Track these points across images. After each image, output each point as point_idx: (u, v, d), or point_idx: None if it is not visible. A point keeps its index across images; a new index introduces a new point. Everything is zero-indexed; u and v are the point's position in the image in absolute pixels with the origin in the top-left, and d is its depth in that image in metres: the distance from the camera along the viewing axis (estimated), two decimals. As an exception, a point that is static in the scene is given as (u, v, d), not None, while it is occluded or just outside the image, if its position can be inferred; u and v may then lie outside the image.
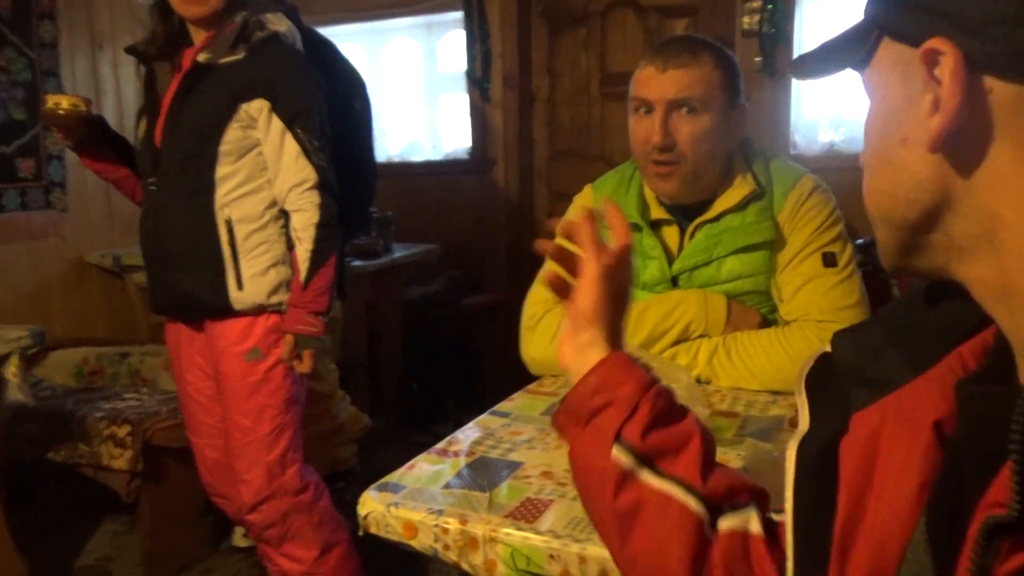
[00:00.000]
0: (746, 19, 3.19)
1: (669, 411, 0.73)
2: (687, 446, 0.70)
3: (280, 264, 1.84)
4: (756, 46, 3.15)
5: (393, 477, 1.02)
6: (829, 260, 1.41)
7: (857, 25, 0.52)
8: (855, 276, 1.41)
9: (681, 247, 1.50)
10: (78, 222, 3.36)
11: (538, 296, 1.54)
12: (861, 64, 0.52)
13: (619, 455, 0.69)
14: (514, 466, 1.06)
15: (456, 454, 1.11)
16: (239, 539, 2.57)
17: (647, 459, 0.69)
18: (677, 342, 1.43)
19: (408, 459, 1.08)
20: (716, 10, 3.35)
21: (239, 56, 1.76)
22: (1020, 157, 0.42)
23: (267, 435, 1.87)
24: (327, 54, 2.08)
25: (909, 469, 0.49)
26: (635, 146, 1.43)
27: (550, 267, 1.53)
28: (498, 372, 3.79)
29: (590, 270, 0.76)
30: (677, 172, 1.39)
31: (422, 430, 3.42)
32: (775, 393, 1.35)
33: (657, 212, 1.51)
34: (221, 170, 1.78)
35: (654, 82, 1.37)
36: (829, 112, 3.26)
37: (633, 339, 1.40)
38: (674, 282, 1.49)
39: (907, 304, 0.58)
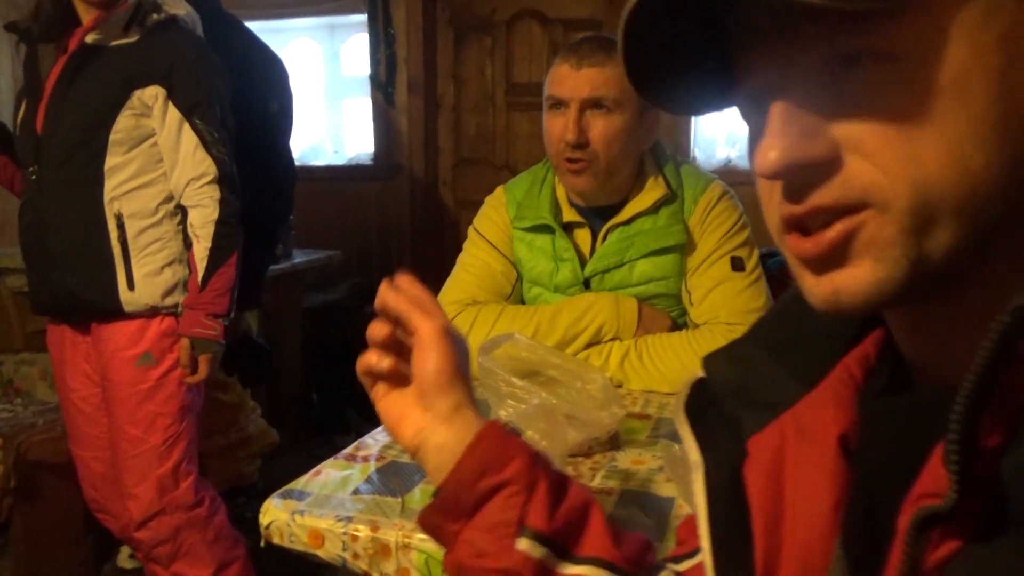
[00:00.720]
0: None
1: (560, 480, 0.63)
2: (589, 516, 0.62)
3: (176, 263, 1.73)
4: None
5: (298, 484, 0.97)
6: (737, 264, 1.43)
7: None
8: (762, 280, 1.44)
9: (593, 250, 1.49)
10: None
11: (449, 298, 1.50)
12: None
13: (527, 547, 0.59)
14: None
15: (365, 459, 1.05)
16: (124, 560, 2.41)
17: (560, 545, 0.60)
18: (589, 345, 1.43)
19: (308, 471, 1.02)
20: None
21: (132, 39, 1.65)
22: None
23: (159, 446, 1.75)
24: (244, 42, 1.99)
25: (821, 488, 0.48)
26: (549, 144, 1.42)
27: (468, 273, 1.52)
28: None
29: (426, 331, 0.64)
30: (590, 170, 1.38)
31: (323, 442, 3.31)
32: (685, 395, 1.35)
33: (569, 215, 1.50)
34: (111, 160, 1.66)
35: (568, 80, 1.36)
36: (725, 130, 3.38)
37: (545, 342, 1.38)
38: (586, 284, 1.48)
39: (778, 317, 0.56)
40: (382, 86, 3.68)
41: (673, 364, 1.38)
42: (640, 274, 1.46)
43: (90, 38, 1.64)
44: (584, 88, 1.35)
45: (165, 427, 1.76)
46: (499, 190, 1.60)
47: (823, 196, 0.41)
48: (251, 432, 2.58)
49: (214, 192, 1.69)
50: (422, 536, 0.84)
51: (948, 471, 0.37)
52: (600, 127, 1.36)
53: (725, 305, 1.41)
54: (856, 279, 0.41)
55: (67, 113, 1.66)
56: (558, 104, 1.38)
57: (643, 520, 0.89)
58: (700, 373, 0.57)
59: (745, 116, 0.47)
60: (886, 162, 0.40)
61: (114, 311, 1.70)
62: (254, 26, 3.85)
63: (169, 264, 1.73)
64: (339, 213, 3.86)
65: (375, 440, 1.13)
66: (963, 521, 0.38)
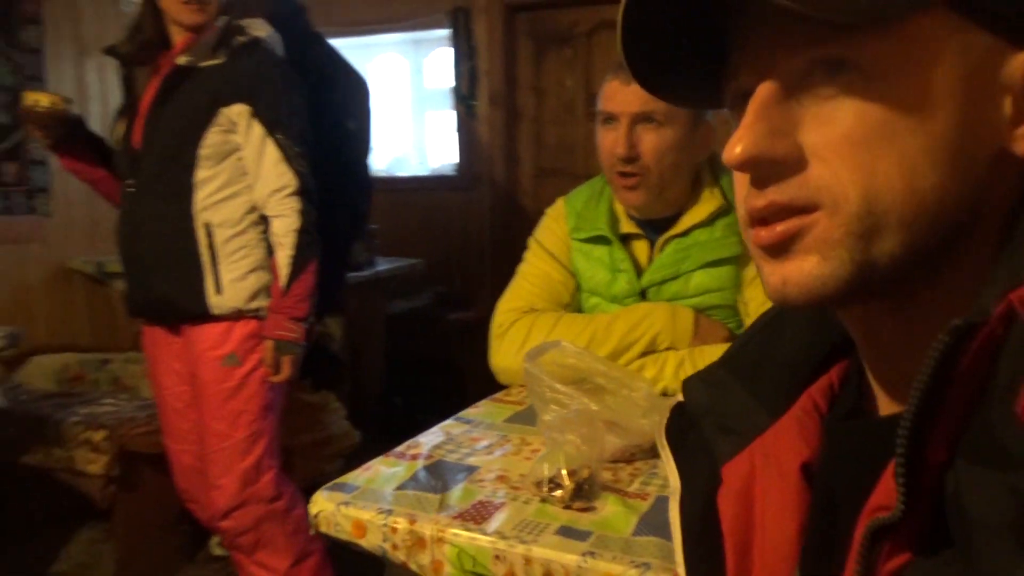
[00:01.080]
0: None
1: None
2: None
3: (259, 269, 1.85)
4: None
5: (347, 478, 1.03)
6: (793, 276, 1.42)
7: None
8: (819, 292, 1.43)
9: (650, 261, 1.52)
10: (61, 228, 3.36)
11: (508, 305, 1.55)
12: None
13: None
14: (471, 470, 1.07)
15: (414, 457, 1.11)
16: (215, 548, 2.56)
17: None
18: (644, 354, 1.45)
19: None
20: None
21: (219, 60, 1.77)
22: None
23: (242, 441, 1.87)
24: (328, 62, 2.11)
25: (786, 515, 0.51)
26: (602, 158, 1.45)
27: (528, 282, 1.56)
28: (480, 388, 3.79)
29: None
30: (642, 184, 1.41)
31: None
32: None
33: (627, 226, 1.53)
34: (200, 174, 1.79)
35: (619, 95, 1.39)
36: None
37: (600, 350, 1.41)
38: (643, 295, 1.51)
39: (750, 342, 0.59)
40: (464, 98, 3.78)
41: (726, 374, 1.38)
42: (696, 286, 1.47)
43: (181, 59, 1.78)
44: (634, 103, 1.38)
45: (248, 423, 1.87)
46: (559, 201, 1.64)
47: (780, 192, 0.44)
48: (334, 432, 2.69)
49: (295, 203, 1.80)
50: (456, 531, 0.89)
51: (896, 484, 0.39)
52: (651, 141, 1.39)
53: (781, 316, 1.40)
54: (802, 271, 0.44)
55: (161, 130, 1.79)
56: (609, 119, 1.41)
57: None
58: (679, 397, 0.60)
59: (732, 113, 0.50)
60: (841, 168, 0.43)
61: (203, 314, 1.82)
62: (344, 42, 4.04)
63: (253, 270, 1.84)
64: (422, 222, 3.97)
65: (427, 440, 1.19)
66: (912, 533, 0.40)
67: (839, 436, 0.49)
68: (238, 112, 1.78)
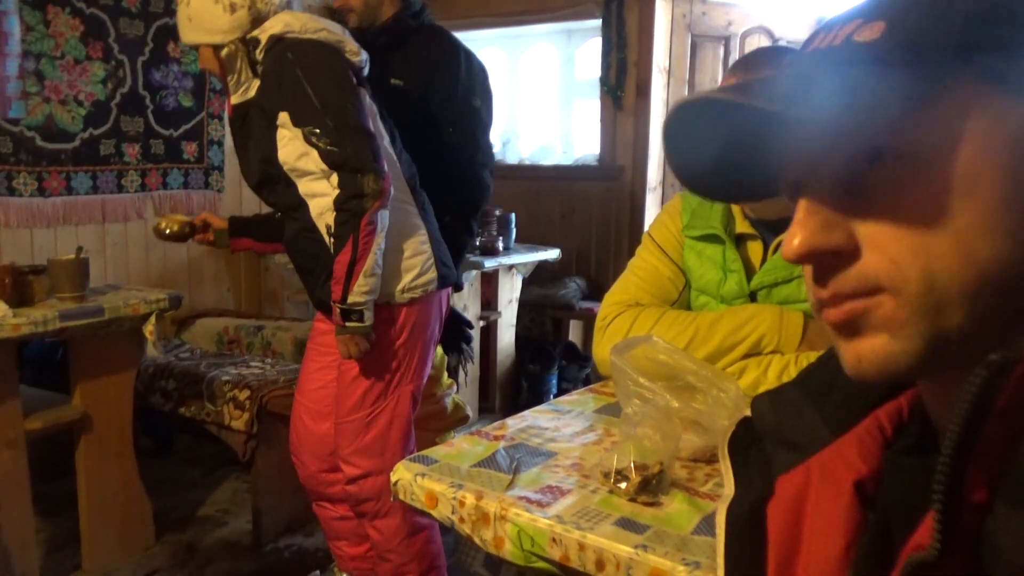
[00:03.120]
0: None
1: None
2: None
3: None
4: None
5: (430, 451, 1.09)
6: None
7: None
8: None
9: (763, 262, 1.48)
10: (232, 203, 3.66)
11: (613, 299, 1.56)
12: None
13: None
14: (548, 455, 1.10)
15: (498, 438, 1.16)
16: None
17: None
18: (747, 355, 1.41)
19: None
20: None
21: (258, 81, 1.83)
22: None
23: (365, 417, 1.98)
24: (451, 48, 2.19)
25: (835, 529, 0.51)
26: None
27: (636, 276, 1.57)
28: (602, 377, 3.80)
29: None
30: None
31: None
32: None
33: (742, 226, 1.50)
34: (302, 188, 1.84)
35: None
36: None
37: (702, 348, 1.40)
38: (753, 297, 1.47)
39: (824, 365, 0.58)
40: (611, 89, 3.77)
41: (833, 384, 1.33)
42: (809, 290, 1.42)
43: (234, 100, 1.87)
44: None
45: (372, 402, 1.98)
46: (676, 197, 1.63)
47: (841, 284, 0.45)
48: (445, 406, 2.79)
49: (333, 180, 1.78)
50: (518, 511, 0.93)
51: (933, 522, 0.39)
52: None
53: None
54: (875, 350, 0.45)
55: (250, 164, 1.91)
56: None
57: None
58: (747, 412, 0.62)
59: (791, 201, 0.50)
60: (896, 254, 0.43)
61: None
62: (497, 32, 4.14)
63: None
64: (563, 212, 4.01)
65: (514, 423, 1.23)
66: (951, 573, 0.40)
67: (897, 469, 0.49)
68: (283, 120, 1.80)
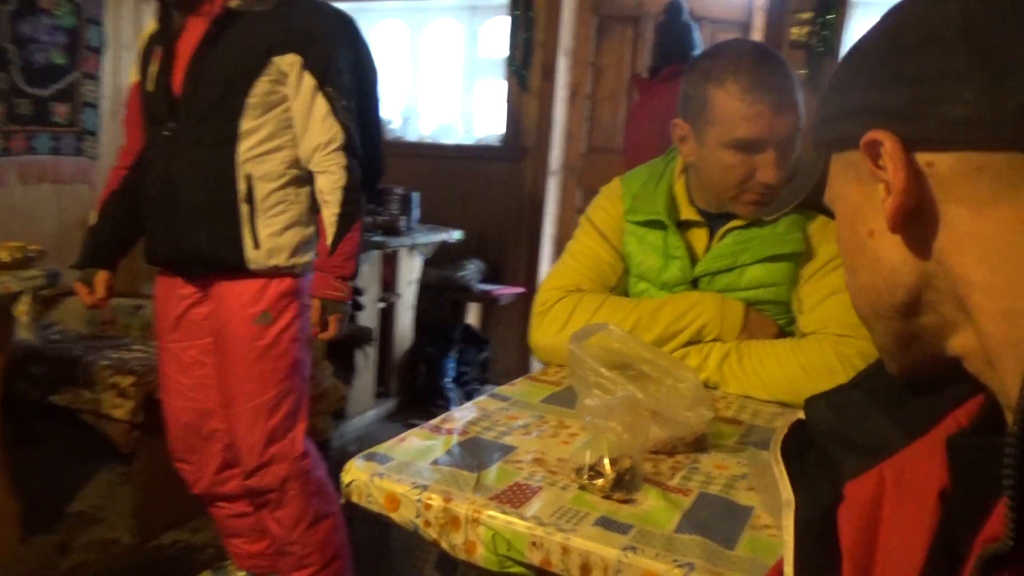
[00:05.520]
0: (795, 30, 3.14)
1: None
2: None
3: (297, 225, 1.81)
4: (802, 58, 3.11)
5: (382, 448, 1.00)
6: (854, 276, 1.37)
7: (812, 161, 0.58)
8: (879, 294, 1.37)
9: (707, 250, 1.46)
10: (107, 172, 3.36)
11: (553, 283, 1.51)
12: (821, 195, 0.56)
13: None
14: (507, 449, 1.03)
15: (449, 432, 1.08)
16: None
17: None
18: (689, 343, 1.40)
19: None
20: (765, 20, 3.31)
21: (267, 7, 1.72)
22: (974, 216, 0.44)
23: (270, 400, 1.84)
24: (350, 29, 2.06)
25: (916, 539, 0.49)
26: (729, 178, 1.37)
27: (576, 261, 1.52)
28: (507, 363, 3.78)
29: None
30: (769, 198, 1.37)
31: (422, 412, 3.42)
32: (783, 405, 1.31)
33: (687, 213, 1.47)
34: (246, 123, 1.74)
35: (773, 123, 1.31)
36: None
37: (645, 336, 1.37)
38: (694, 284, 1.45)
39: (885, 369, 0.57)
40: (517, 69, 3.71)
41: (774, 371, 1.33)
42: (751, 279, 1.41)
43: (233, 3, 1.72)
44: (787, 127, 1.31)
45: (278, 382, 1.85)
46: (615, 181, 1.59)
47: None
48: (326, 387, 2.67)
49: (340, 159, 1.75)
50: (492, 513, 0.86)
51: (1007, 516, 0.38)
52: (785, 163, 1.34)
53: (837, 316, 1.34)
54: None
55: (208, 75, 1.73)
56: (756, 145, 1.32)
57: (714, 524, 0.87)
58: (800, 415, 0.60)
59: None
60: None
61: (237, 268, 1.79)
62: (400, 4, 3.99)
63: (291, 226, 1.81)
64: (464, 193, 3.93)
65: (462, 415, 1.15)
66: None
67: (960, 454, 0.47)
68: (290, 62, 1.73)
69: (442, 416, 1.14)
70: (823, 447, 0.57)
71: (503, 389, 1.30)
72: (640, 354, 1.19)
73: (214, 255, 1.79)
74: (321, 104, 1.74)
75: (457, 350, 3.72)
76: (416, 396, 3.64)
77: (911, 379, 0.52)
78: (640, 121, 2.95)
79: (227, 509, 2.05)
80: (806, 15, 3.12)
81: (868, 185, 0.49)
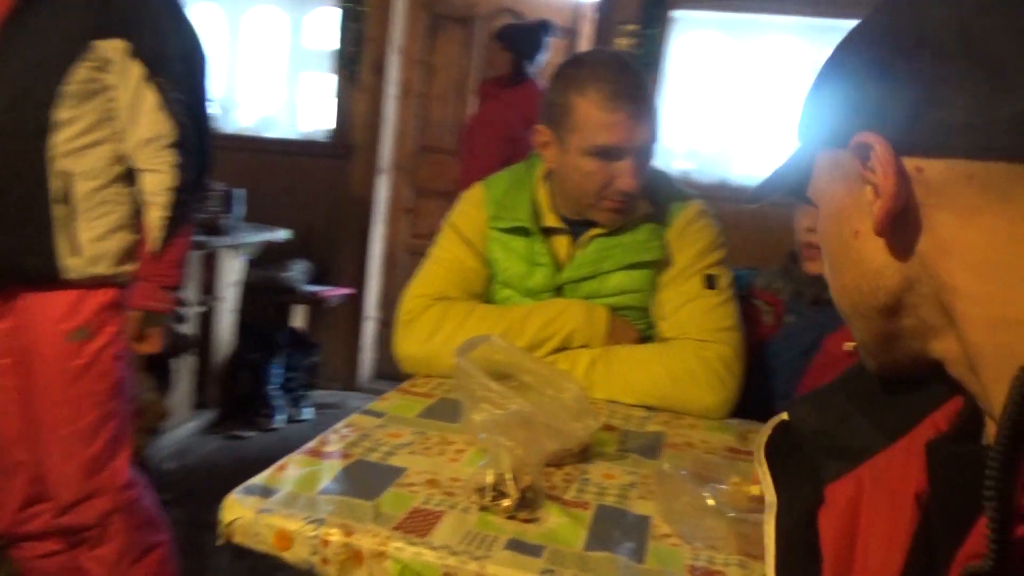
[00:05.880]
0: (621, 41, 3.27)
1: None
2: None
3: (123, 229, 1.63)
4: (629, 68, 3.24)
5: (259, 479, 0.91)
6: (710, 282, 1.43)
7: (798, 152, 0.56)
8: (733, 300, 1.44)
9: (570, 257, 1.47)
10: None
11: (418, 291, 1.46)
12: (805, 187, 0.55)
13: None
14: (396, 472, 0.98)
15: (331, 455, 1.00)
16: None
17: None
18: (558, 350, 1.40)
19: (230, 451, 0.97)
20: (593, 29, 3.42)
21: None
22: (962, 224, 0.44)
23: (90, 425, 1.64)
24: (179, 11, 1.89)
25: (893, 543, 0.49)
26: (589, 185, 1.37)
27: (441, 267, 1.47)
28: (336, 368, 3.66)
29: None
30: (629, 205, 1.39)
31: (246, 422, 3.24)
32: (649, 409, 1.35)
33: (550, 220, 1.48)
34: (60, 113, 1.52)
35: (633, 130, 1.32)
36: (684, 144, 3.43)
37: (516, 342, 1.35)
38: (559, 291, 1.46)
39: (866, 370, 0.58)
40: (347, 64, 3.59)
41: (639, 375, 1.36)
42: (614, 286, 1.44)
43: None
44: (645, 136, 1.33)
45: (97, 405, 1.64)
46: (477, 187, 1.56)
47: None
48: (145, 402, 2.48)
49: (171, 157, 1.59)
50: (398, 544, 0.80)
51: (988, 536, 0.37)
52: (643, 169, 1.36)
53: (695, 321, 1.40)
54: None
55: (13, 59, 1.52)
56: (615, 152, 1.33)
57: (619, 538, 0.87)
58: (783, 416, 0.60)
59: None
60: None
61: (49, 277, 1.58)
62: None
63: (116, 230, 1.62)
64: (288, 189, 3.75)
65: (339, 435, 1.08)
66: None
67: (939, 461, 0.47)
68: (114, 48, 1.53)
69: (318, 438, 1.06)
70: (807, 449, 0.57)
71: (376, 404, 1.23)
72: (522, 364, 1.18)
73: (19, 263, 1.56)
74: (150, 95, 1.57)
75: (283, 355, 3.54)
76: (239, 405, 3.42)
77: (889, 377, 0.52)
78: (482, 125, 2.94)
79: (34, 549, 1.80)
80: (631, 27, 3.24)
81: (854, 185, 0.48)
